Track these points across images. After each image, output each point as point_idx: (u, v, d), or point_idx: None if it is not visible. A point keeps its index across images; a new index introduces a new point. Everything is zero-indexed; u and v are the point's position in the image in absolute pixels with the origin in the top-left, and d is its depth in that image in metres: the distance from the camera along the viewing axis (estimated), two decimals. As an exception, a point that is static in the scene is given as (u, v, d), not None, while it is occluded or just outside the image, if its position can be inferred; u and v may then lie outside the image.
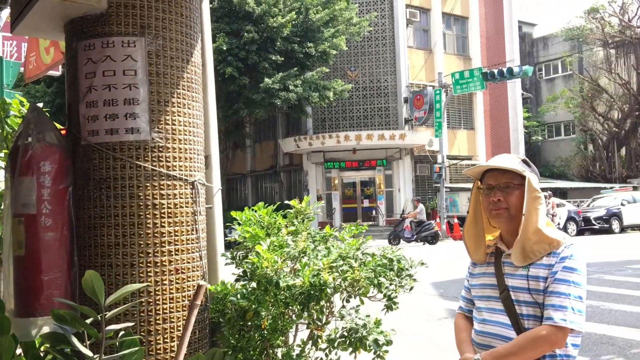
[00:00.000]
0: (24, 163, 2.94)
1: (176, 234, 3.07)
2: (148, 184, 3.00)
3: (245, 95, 22.61)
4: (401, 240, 20.27)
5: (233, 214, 3.45)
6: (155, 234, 3.00)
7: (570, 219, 23.97)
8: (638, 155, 35.81)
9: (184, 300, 3.08)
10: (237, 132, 27.57)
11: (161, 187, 3.03)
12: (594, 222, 24.65)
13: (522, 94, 34.66)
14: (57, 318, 2.36)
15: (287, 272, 3.12)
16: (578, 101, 36.24)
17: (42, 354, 2.74)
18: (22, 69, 6.63)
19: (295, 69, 22.69)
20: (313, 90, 23.11)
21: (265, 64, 22.21)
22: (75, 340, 2.34)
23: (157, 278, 2.99)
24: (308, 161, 27.89)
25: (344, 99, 25.70)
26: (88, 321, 2.40)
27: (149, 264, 2.97)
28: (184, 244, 3.10)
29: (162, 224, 3.02)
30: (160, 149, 3.04)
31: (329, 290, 3.00)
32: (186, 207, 3.13)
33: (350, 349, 3.10)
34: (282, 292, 3.01)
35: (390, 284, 3.17)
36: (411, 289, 3.25)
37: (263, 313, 3.08)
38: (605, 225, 24.56)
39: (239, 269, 3.35)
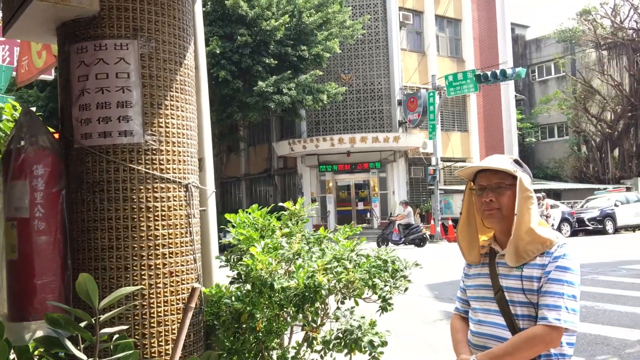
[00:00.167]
0: (16, 167, 2.93)
1: (170, 236, 3.06)
2: (142, 187, 3.00)
3: (239, 98, 22.60)
4: (389, 243, 20.25)
5: (227, 216, 3.45)
6: (149, 237, 2.99)
7: (564, 220, 24.05)
8: (631, 156, 35.99)
9: (178, 303, 3.07)
10: (231, 136, 27.55)
11: (155, 189, 3.03)
12: (587, 223, 24.74)
13: (516, 96, 34.78)
14: (50, 322, 2.36)
15: (282, 274, 3.11)
16: (571, 103, 36.41)
17: (36, 358, 2.73)
18: (14, 73, 6.60)
19: (289, 72, 22.70)
20: (307, 93, 23.11)
21: (258, 67, 22.21)
22: (69, 343, 2.34)
23: (151, 281, 2.98)
24: (302, 164, 27.89)
25: (337, 101, 25.71)
26: (82, 325, 2.39)
27: (143, 267, 2.96)
28: (178, 247, 3.09)
29: (156, 227, 3.01)
30: (153, 151, 3.04)
31: (323, 292, 3.00)
32: (180, 209, 3.13)
33: (346, 351, 3.10)
34: (276, 294, 3.00)
35: (385, 285, 3.17)
36: (406, 290, 3.25)
37: (258, 315, 3.07)
38: (599, 226, 24.66)
39: (233, 271, 3.34)
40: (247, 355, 3.11)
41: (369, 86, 27.82)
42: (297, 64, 23.49)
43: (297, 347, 3.22)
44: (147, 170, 3.01)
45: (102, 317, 2.37)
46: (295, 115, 25.50)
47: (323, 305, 3.22)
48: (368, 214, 27.78)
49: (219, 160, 26.88)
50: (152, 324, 2.97)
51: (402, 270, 3.24)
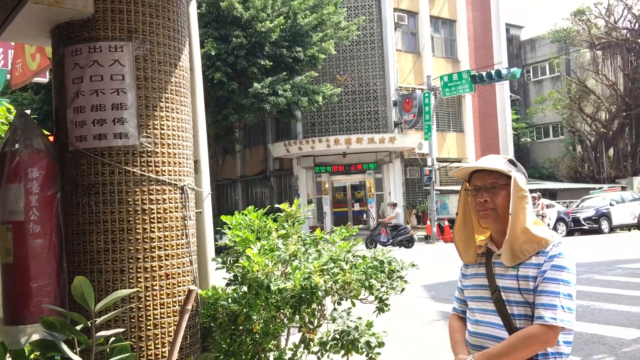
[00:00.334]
0: (11, 170, 2.92)
1: (166, 239, 3.05)
2: (137, 189, 2.99)
3: (235, 100, 22.59)
4: (377, 244, 20.27)
5: (223, 218, 3.45)
6: (145, 239, 2.99)
7: (559, 219, 24.09)
8: (626, 156, 36.10)
9: (174, 306, 3.06)
10: (226, 138, 27.53)
11: (150, 192, 3.02)
12: (583, 222, 24.79)
13: (511, 96, 34.86)
14: (46, 325, 2.35)
15: (278, 275, 3.11)
16: (566, 102, 36.50)
17: (31, 362, 2.72)
18: (8, 76, 6.58)
19: (284, 73, 22.70)
20: (302, 94, 23.11)
21: (254, 68, 22.20)
22: (65, 347, 2.33)
23: (147, 283, 2.97)
24: (298, 166, 27.89)
25: (333, 103, 25.72)
26: (78, 328, 2.38)
27: (139, 270, 2.96)
28: (174, 249, 3.09)
29: (152, 229, 3.01)
30: (149, 153, 3.03)
31: (320, 293, 3.00)
32: (176, 212, 3.12)
33: (343, 352, 3.10)
34: (273, 296, 3.00)
35: (382, 286, 3.17)
36: (402, 290, 3.25)
37: (254, 317, 3.07)
38: (595, 226, 24.71)
39: (229, 273, 3.34)
40: (244, 357, 3.11)
41: (365, 87, 27.84)
42: (292, 66, 23.49)
43: (294, 349, 3.22)
44: (142, 173, 3.00)
45: (98, 320, 2.36)
46: (290, 116, 25.50)
47: (320, 307, 3.21)
48: (364, 215, 27.78)
49: (215, 162, 26.85)
50: (148, 327, 2.96)
51: (398, 271, 3.24)
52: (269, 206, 3.71)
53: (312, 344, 3.20)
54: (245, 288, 3.13)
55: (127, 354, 2.46)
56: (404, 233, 20.55)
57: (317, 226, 23.57)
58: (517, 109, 39.29)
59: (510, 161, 2.37)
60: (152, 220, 3.01)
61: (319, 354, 3.16)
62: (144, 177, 3.01)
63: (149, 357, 2.95)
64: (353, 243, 3.39)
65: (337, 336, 3.12)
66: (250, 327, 3.08)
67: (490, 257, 2.38)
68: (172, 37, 3.19)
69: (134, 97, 3.01)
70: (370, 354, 3.06)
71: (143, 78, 3.04)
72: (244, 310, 3.05)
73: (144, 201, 3.00)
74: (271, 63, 22.44)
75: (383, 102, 27.81)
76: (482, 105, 32.14)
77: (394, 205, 22.17)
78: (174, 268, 3.08)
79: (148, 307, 2.97)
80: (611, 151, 36.93)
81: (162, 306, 3.01)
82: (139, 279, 2.95)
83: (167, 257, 3.05)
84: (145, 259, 2.98)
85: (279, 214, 3.62)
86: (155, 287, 2.99)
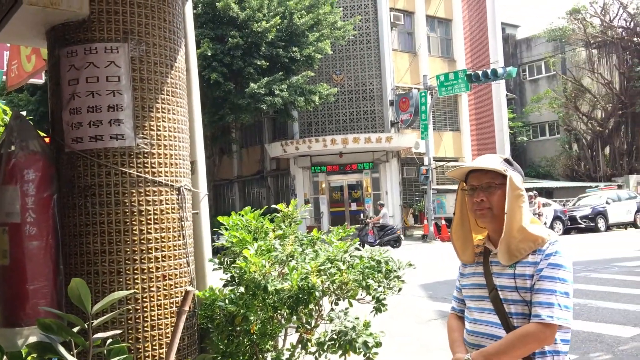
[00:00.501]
0: (7, 171, 2.91)
1: (163, 240, 3.05)
2: (133, 191, 2.99)
3: (231, 100, 22.55)
4: (365, 244, 20.32)
5: (220, 219, 3.44)
6: (142, 241, 2.98)
7: (556, 218, 24.14)
8: (622, 154, 36.18)
9: (171, 307, 3.06)
10: (223, 138, 27.48)
11: (147, 193, 3.02)
12: (580, 221, 24.85)
13: (507, 95, 34.89)
14: (43, 327, 2.34)
15: (275, 276, 3.11)
16: (562, 101, 36.55)
17: (28, 364, 2.72)
18: (4, 77, 6.57)
19: (281, 73, 22.67)
20: (299, 94, 23.09)
21: (250, 69, 22.17)
22: (62, 349, 2.32)
23: (144, 285, 2.97)
24: (295, 165, 27.86)
25: (329, 102, 25.69)
26: (75, 330, 2.38)
27: (135, 271, 2.95)
28: (170, 250, 3.09)
29: (149, 231, 3.00)
30: (145, 155, 3.03)
31: (317, 294, 3.00)
32: (172, 213, 3.12)
33: (340, 352, 3.10)
34: (270, 296, 3.00)
35: (379, 286, 3.18)
36: (399, 290, 3.25)
37: (252, 318, 3.07)
38: (591, 224, 24.77)
39: (226, 274, 3.34)
40: (241, 357, 3.11)
41: (361, 87, 27.83)
42: (288, 66, 23.46)
43: (292, 349, 3.22)
44: (138, 174, 3.00)
45: (95, 321, 2.36)
46: (287, 116, 25.48)
47: (317, 307, 3.21)
48: (361, 215, 27.78)
49: (212, 162, 26.80)
50: (145, 328, 2.96)
51: (395, 271, 3.24)
52: (265, 207, 3.71)
53: (309, 344, 3.20)
54: (242, 289, 3.13)
55: (125, 356, 2.46)
56: (391, 233, 20.67)
57: (314, 226, 23.60)
58: (513, 108, 39.34)
59: (506, 160, 2.38)
60: (148, 221, 3.01)
61: (317, 354, 3.16)
62: (141, 178, 3.00)
63: (147, 359, 2.95)
64: (350, 243, 3.39)
65: (335, 336, 3.12)
66: (248, 327, 3.08)
67: (487, 256, 2.38)
68: (168, 37, 3.19)
69: (130, 98, 3.00)
70: (367, 354, 3.06)
71: (139, 79, 3.04)
72: (241, 311, 3.05)
73: (141, 202, 3.00)
74: (267, 63, 22.42)
75: (379, 101, 27.81)
76: (479, 104, 32.17)
77: (381, 205, 22.23)
78: (171, 269, 3.08)
79: (145, 309, 2.96)
80: (607, 149, 37.00)
81: (159, 307, 3.01)
82: (136, 281, 2.95)
83: (164, 259, 3.05)
84: (142, 260, 2.97)
85: (276, 214, 3.62)
86: (152, 289, 2.99)
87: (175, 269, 3.10)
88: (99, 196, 2.95)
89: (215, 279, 3.47)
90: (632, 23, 35.59)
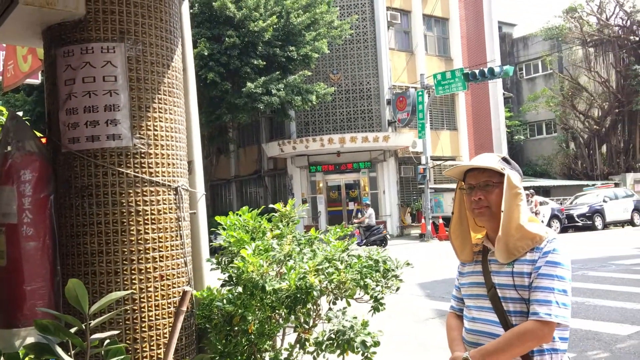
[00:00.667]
0: (3, 172, 2.90)
1: (160, 240, 3.05)
2: (131, 191, 2.98)
3: (228, 100, 22.53)
4: None
5: (217, 218, 3.44)
6: (139, 241, 2.98)
7: (553, 216, 24.18)
8: (619, 152, 36.25)
9: (169, 307, 3.05)
10: (220, 138, 27.46)
11: (144, 193, 3.01)
12: (577, 219, 24.90)
13: (504, 94, 34.92)
14: (40, 328, 2.33)
15: (273, 275, 3.11)
16: (559, 100, 36.61)
17: (26, 365, 2.71)
18: (0, 77, 6.55)
19: (278, 72, 22.66)
20: (296, 94, 23.08)
21: (247, 68, 22.15)
22: (59, 350, 2.32)
23: (141, 285, 2.96)
24: (292, 165, 27.86)
25: (327, 102, 25.70)
26: (72, 330, 2.37)
27: (133, 271, 2.95)
28: (168, 250, 3.08)
29: (146, 231, 3.00)
30: (142, 155, 3.02)
31: (315, 293, 3.00)
32: (170, 213, 3.11)
33: (338, 351, 3.10)
34: (268, 296, 2.99)
35: (377, 285, 3.17)
36: (397, 289, 3.25)
37: (250, 317, 3.06)
38: (588, 222, 24.83)
39: (224, 274, 3.33)
40: (239, 357, 3.10)
41: (358, 86, 27.83)
42: (285, 65, 23.45)
43: (290, 349, 3.22)
44: (135, 174, 2.99)
45: (93, 322, 2.35)
46: (284, 116, 25.47)
47: (315, 307, 3.21)
48: (359, 214, 27.78)
49: (209, 162, 26.79)
50: (143, 329, 2.95)
51: (393, 270, 3.24)
52: (263, 206, 3.71)
53: (307, 344, 3.20)
54: (240, 289, 3.12)
55: (122, 356, 2.45)
56: (377, 233, 20.76)
57: (312, 225, 23.55)
58: (510, 107, 39.40)
59: (504, 159, 2.38)
60: (146, 221, 3.00)
61: (315, 353, 3.16)
62: (138, 178, 3.00)
63: (144, 359, 2.95)
64: (348, 242, 3.39)
65: (333, 336, 3.12)
66: (246, 327, 3.07)
67: (486, 254, 2.39)
68: (165, 37, 3.18)
69: (127, 98, 3.00)
70: (365, 353, 3.06)
71: (135, 79, 3.03)
72: (239, 311, 3.05)
73: (138, 202, 2.99)
74: (264, 62, 22.41)
75: (377, 100, 27.81)
76: (476, 103, 32.20)
77: (367, 205, 22.27)
78: (169, 269, 3.07)
79: (143, 309, 2.96)
80: (604, 148, 37.07)
81: (156, 308, 3.00)
82: (134, 281, 2.94)
83: (161, 259, 3.04)
84: (140, 261, 2.97)
85: (274, 214, 3.61)
86: (149, 289, 2.99)
87: (173, 269, 3.10)
88: (96, 196, 2.95)
89: (213, 279, 3.47)
90: (629, 21, 35.66)
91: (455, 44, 31.38)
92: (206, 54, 21.18)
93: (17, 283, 2.85)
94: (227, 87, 22.20)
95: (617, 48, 35.40)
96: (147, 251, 2.99)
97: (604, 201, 25.53)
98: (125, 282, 2.93)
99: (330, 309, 3.25)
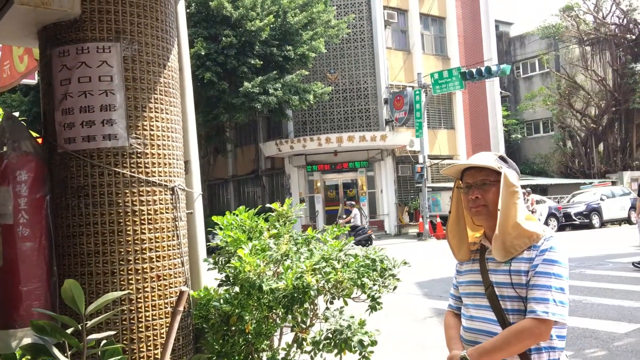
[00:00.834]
0: (-1, 172, 2.89)
1: (157, 240, 3.04)
2: (127, 191, 2.97)
3: (225, 99, 22.52)
4: None
5: (214, 218, 3.44)
6: (136, 241, 2.97)
7: (551, 215, 24.22)
8: (616, 151, 36.30)
9: (166, 307, 3.05)
10: (217, 137, 27.45)
11: (140, 193, 3.01)
12: (574, 217, 24.95)
13: (501, 93, 34.97)
14: (37, 329, 2.33)
15: (270, 275, 3.10)
16: (556, 98, 36.66)
17: (22, 366, 2.70)
18: (-4, 77, 6.53)
19: (275, 72, 22.65)
20: (293, 93, 23.08)
21: (244, 68, 22.14)
22: (56, 351, 2.31)
23: (138, 285, 2.96)
24: (290, 164, 27.86)
25: (324, 101, 25.69)
26: (69, 331, 2.37)
27: (129, 272, 2.94)
28: (165, 250, 3.07)
29: (143, 231, 2.99)
30: (138, 154, 3.02)
31: (312, 293, 2.99)
32: (166, 213, 3.11)
33: (336, 351, 3.10)
34: (265, 296, 2.99)
35: (374, 285, 3.17)
36: (394, 288, 3.25)
37: (247, 317, 3.06)
38: (586, 221, 24.88)
39: (221, 273, 3.33)
40: (236, 357, 3.10)
41: (355, 85, 27.83)
42: (282, 64, 23.44)
43: (287, 348, 3.21)
44: (132, 174, 2.99)
45: (89, 323, 2.35)
46: (281, 115, 25.46)
47: (312, 306, 3.21)
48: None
49: (206, 162, 26.78)
50: (140, 329, 2.94)
51: (390, 269, 3.24)
52: (260, 206, 3.71)
53: (305, 343, 3.20)
54: (237, 288, 3.12)
55: (119, 357, 2.45)
56: (362, 233, 20.86)
57: (309, 225, 23.61)
58: (508, 106, 39.45)
59: (501, 158, 2.38)
60: (142, 221, 2.99)
61: (312, 353, 3.16)
62: (134, 178, 2.99)
63: (141, 359, 2.94)
64: (345, 242, 3.39)
65: (330, 335, 3.12)
66: (243, 327, 3.07)
67: (484, 253, 2.39)
68: (161, 37, 3.18)
69: (123, 98, 2.99)
70: (363, 353, 3.06)
71: (132, 79, 3.02)
72: (236, 310, 3.04)
73: (134, 202, 2.98)
74: (261, 62, 22.40)
75: (374, 100, 27.82)
76: (473, 102, 32.23)
77: (352, 205, 22.31)
78: (166, 269, 3.07)
79: (139, 309, 2.95)
80: (601, 146, 37.13)
81: (153, 308, 3.00)
82: (130, 281, 2.94)
83: (158, 259, 3.04)
84: (136, 261, 2.96)
85: (271, 213, 3.61)
86: (146, 289, 2.98)
87: (170, 269, 3.09)
88: (92, 197, 2.94)
89: (210, 278, 3.46)
90: (625, 20, 35.70)
91: (452, 42, 31.40)
92: (203, 53, 21.16)
93: (13, 284, 2.84)
94: (225, 87, 22.19)
95: (614, 46, 35.46)
96: (143, 251, 2.98)
97: (601, 199, 25.58)
98: (122, 282, 2.92)
99: (327, 308, 3.24)
